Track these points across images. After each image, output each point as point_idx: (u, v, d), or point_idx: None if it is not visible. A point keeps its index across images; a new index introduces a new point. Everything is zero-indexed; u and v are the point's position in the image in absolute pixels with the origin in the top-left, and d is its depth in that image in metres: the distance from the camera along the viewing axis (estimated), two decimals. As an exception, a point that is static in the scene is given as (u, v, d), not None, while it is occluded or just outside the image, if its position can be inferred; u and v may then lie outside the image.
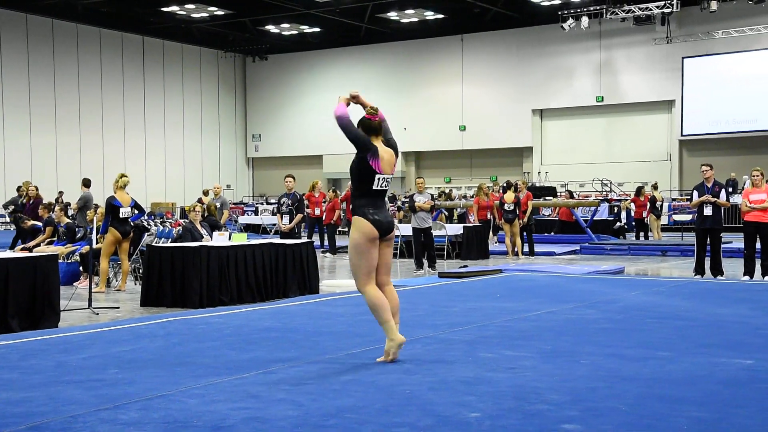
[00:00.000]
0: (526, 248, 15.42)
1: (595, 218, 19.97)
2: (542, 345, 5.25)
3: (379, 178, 4.60)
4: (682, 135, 28.70)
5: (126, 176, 9.83)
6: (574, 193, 24.64)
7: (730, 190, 23.31)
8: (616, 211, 22.25)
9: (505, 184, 15.66)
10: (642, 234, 18.53)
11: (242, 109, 37.67)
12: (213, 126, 35.92)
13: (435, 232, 15.06)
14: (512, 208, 14.93)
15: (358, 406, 3.63)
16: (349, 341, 5.40)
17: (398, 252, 14.85)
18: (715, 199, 10.28)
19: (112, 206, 9.58)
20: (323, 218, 16.32)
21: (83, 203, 13.12)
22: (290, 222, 11.78)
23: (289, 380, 4.19)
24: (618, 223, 20.67)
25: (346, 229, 18.44)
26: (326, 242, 16.55)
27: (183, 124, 34.35)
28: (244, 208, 29.66)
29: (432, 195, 12.38)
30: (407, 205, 12.51)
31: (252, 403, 3.69)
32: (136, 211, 9.91)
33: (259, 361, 4.74)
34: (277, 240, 9.96)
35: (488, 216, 15.69)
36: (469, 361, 4.72)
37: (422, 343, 5.33)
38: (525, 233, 15.31)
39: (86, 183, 13.97)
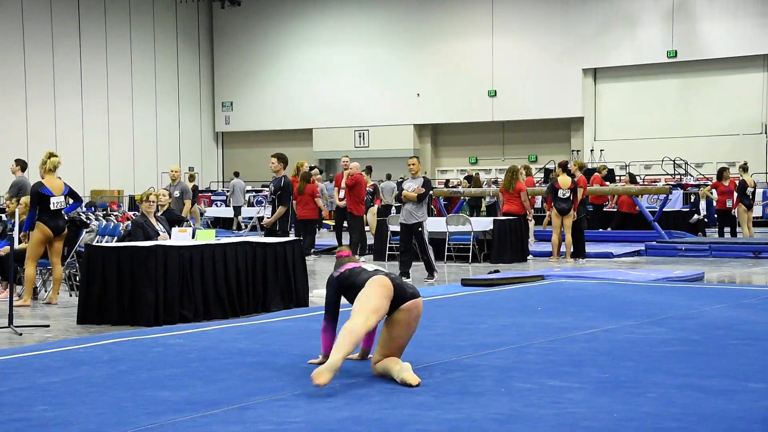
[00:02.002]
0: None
1: (665, 209, 19.94)
2: (596, 373, 5.25)
3: None
4: (781, 100, 28.59)
5: (56, 156, 9.84)
6: (637, 177, 24.60)
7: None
8: (692, 200, 22.22)
9: (560, 165, 15.58)
10: (727, 229, 18.49)
11: (208, 70, 37.73)
12: (170, 92, 35.99)
13: (457, 228, 15.08)
14: (567, 195, 14.89)
15: (359, 452, 3.64)
16: (346, 368, 5.41)
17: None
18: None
19: (40, 195, 9.60)
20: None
21: (16, 191, 13.18)
22: (272, 215, 11.79)
23: (272, 418, 4.20)
24: (695, 216, 20.65)
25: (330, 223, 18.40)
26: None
27: (131, 89, 34.42)
28: (212, 197, 29.75)
29: (428, 179, 12.02)
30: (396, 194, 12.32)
31: (223, 448, 3.70)
32: (71, 201, 9.92)
33: (232, 393, 4.75)
34: (255, 238, 9.97)
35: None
36: (502, 393, 4.73)
37: (441, 370, 5.33)
38: (573, 229, 15.29)
39: (21, 165, 14.02)
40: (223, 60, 37.51)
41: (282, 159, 11.81)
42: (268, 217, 11.96)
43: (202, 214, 22.80)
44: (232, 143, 38.17)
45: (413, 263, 12.25)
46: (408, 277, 11.70)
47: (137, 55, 34.58)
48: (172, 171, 15.05)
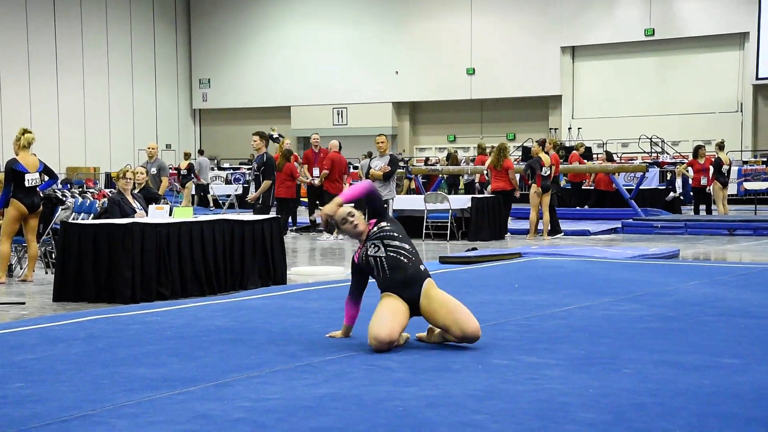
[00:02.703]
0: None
1: (642, 187, 20.05)
2: (573, 349, 5.28)
3: None
4: (757, 78, 28.77)
5: (31, 132, 9.75)
6: (614, 155, 24.71)
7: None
8: (669, 177, 22.36)
9: (539, 143, 15.62)
10: (703, 207, 18.63)
11: (185, 47, 37.42)
12: (147, 68, 35.68)
13: (435, 206, 15.10)
14: (548, 173, 14.95)
15: (336, 428, 3.65)
16: (325, 345, 5.42)
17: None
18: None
19: (14, 172, 9.51)
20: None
21: None
22: (256, 191, 11.79)
23: (249, 395, 4.20)
24: (671, 194, 20.78)
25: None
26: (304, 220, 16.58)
27: (107, 65, 34.09)
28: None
29: (394, 157, 12.01)
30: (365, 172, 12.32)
31: (201, 425, 3.70)
32: (47, 178, 9.85)
33: (210, 370, 4.74)
34: (233, 216, 9.94)
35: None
36: (479, 369, 4.75)
37: (420, 347, 5.35)
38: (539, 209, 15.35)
39: None
40: (200, 37, 37.22)
41: (264, 137, 11.89)
42: (253, 193, 11.96)
43: (200, 194, 22.65)
44: (209, 120, 37.96)
45: None
46: None
47: (113, 32, 34.23)
48: (149, 148, 14.96)
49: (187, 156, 21.38)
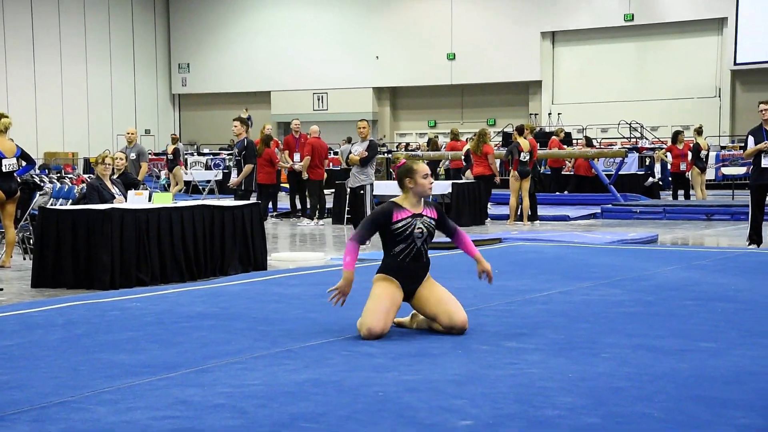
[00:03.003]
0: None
1: (621, 172, 20.14)
2: (552, 334, 5.32)
3: None
4: (735, 64, 28.90)
5: (7, 117, 9.68)
6: (594, 141, 24.79)
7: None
8: (648, 162, 22.46)
9: (517, 129, 15.66)
10: (681, 192, 18.74)
11: (164, 31, 37.15)
12: (125, 52, 35.40)
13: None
14: (527, 158, 14.98)
15: (317, 414, 3.66)
16: (306, 331, 5.42)
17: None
18: (776, 146, 10.39)
19: (-8, 157, 9.44)
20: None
21: None
22: (238, 176, 11.79)
23: (230, 381, 4.20)
24: (650, 179, 20.88)
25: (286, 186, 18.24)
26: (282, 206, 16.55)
27: (85, 49, 33.79)
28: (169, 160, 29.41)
29: (374, 142, 12.00)
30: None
31: (181, 411, 3.70)
32: (24, 163, 9.78)
33: (190, 356, 4.74)
34: (213, 202, 9.92)
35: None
36: (459, 354, 4.77)
37: (399, 332, 5.36)
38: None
39: None
40: (180, 21, 36.96)
41: (244, 122, 11.89)
42: (235, 178, 11.94)
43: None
44: (189, 105, 37.74)
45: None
46: None
47: (91, 16, 33.94)
48: (128, 133, 14.86)
49: (174, 140, 21.29)
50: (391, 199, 5.40)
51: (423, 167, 5.34)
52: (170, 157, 20.56)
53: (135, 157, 14.13)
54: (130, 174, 11.75)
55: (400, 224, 5.26)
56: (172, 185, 20.27)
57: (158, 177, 23.67)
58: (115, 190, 9.65)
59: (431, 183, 5.35)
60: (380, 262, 5.39)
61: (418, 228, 5.28)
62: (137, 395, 3.95)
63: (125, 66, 35.32)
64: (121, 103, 35.06)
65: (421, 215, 5.32)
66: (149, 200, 9.10)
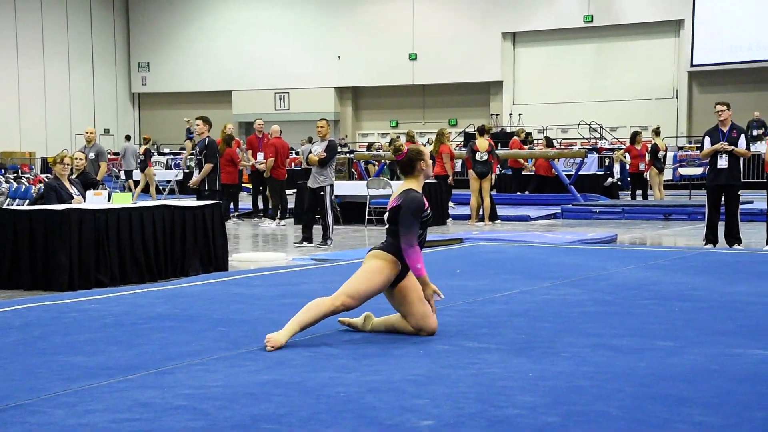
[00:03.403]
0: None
1: (580, 172, 20.31)
2: (513, 334, 5.34)
3: None
4: (692, 65, 29.28)
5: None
6: (554, 141, 24.98)
7: (755, 134, 24.07)
8: (607, 163, 22.67)
9: (477, 129, 15.72)
10: (640, 192, 18.94)
11: (123, 29, 36.78)
12: (84, 51, 34.99)
13: (378, 192, 15.11)
14: (485, 158, 15.04)
15: (278, 414, 3.64)
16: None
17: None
18: (733, 147, 10.52)
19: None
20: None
21: None
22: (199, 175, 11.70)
23: (190, 382, 4.17)
24: (609, 179, 21.08)
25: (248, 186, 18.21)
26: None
27: (42, 47, 33.34)
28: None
29: (333, 142, 11.98)
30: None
31: (140, 413, 3.67)
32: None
33: (150, 358, 4.70)
34: (173, 202, 9.85)
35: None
36: (420, 354, 4.78)
37: (361, 333, 5.36)
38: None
39: None
40: (139, 19, 36.62)
41: (207, 121, 11.82)
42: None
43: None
44: (149, 105, 37.42)
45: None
46: (310, 241, 11.66)
47: (48, 13, 33.51)
48: (87, 133, 14.69)
49: (146, 141, 21.11)
50: (408, 188, 5.26)
51: (426, 149, 5.36)
52: (142, 157, 20.43)
53: (94, 156, 13.97)
54: (89, 174, 11.62)
55: (428, 211, 5.27)
56: (141, 185, 20.14)
57: (117, 177, 23.43)
58: (73, 190, 9.54)
59: (428, 166, 5.37)
60: (389, 253, 5.18)
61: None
62: (96, 398, 3.90)
63: (84, 64, 34.92)
64: (80, 102, 34.66)
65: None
66: (108, 200, 9.01)
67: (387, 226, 5.30)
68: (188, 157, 21.26)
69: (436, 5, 32.24)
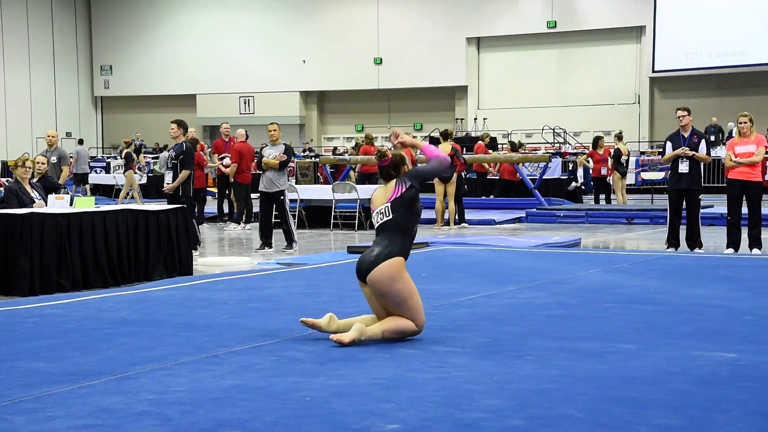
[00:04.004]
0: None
1: (545, 177, 20.44)
2: (478, 337, 5.36)
3: (374, 215, 5.38)
4: (653, 71, 29.60)
5: None
6: (518, 145, 25.09)
7: (713, 140, 24.38)
8: (570, 167, 22.83)
9: (441, 134, 15.76)
10: (603, 197, 19.10)
11: (85, 32, 36.42)
12: (45, 53, 34.60)
13: (344, 196, 15.10)
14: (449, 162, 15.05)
15: (243, 419, 3.63)
16: (232, 336, 5.37)
17: (296, 220, 14.79)
18: (693, 152, 10.64)
19: None
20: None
21: None
22: (173, 181, 11.50)
23: (154, 388, 4.14)
24: (573, 183, 21.23)
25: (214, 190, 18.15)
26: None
27: (2, 50, 32.92)
28: (91, 164, 28.91)
29: (289, 147, 11.94)
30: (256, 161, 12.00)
31: (103, 419, 3.63)
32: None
33: (113, 363, 4.65)
34: (137, 206, 9.76)
35: None
36: (386, 358, 4.78)
37: (327, 337, 5.35)
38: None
39: None
40: (102, 22, 36.30)
41: (181, 125, 11.58)
42: (168, 183, 11.66)
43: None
44: (112, 108, 37.09)
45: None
46: (270, 247, 11.58)
47: (8, 15, 33.12)
48: (48, 136, 14.52)
49: (128, 144, 20.92)
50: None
51: (403, 155, 5.47)
52: (122, 161, 20.33)
53: (56, 160, 13.82)
54: (50, 178, 11.48)
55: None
56: (125, 189, 20.00)
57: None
58: (35, 194, 9.43)
59: (406, 167, 5.47)
60: (396, 248, 5.19)
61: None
62: (57, 404, 3.86)
63: (45, 67, 34.54)
64: (41, 106, 34.27)
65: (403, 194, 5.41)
66: (71, 205, 8.91)
67: (383, 221, 5.25)
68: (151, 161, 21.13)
69: (401, 10, 32.32)
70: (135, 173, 20.28)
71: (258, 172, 12.56)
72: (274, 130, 11.72)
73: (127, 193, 20.10)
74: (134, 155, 20.62)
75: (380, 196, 5.38)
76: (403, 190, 5.28)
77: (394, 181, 5.35)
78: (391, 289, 5.11)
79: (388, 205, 5.27)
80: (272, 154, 11.58)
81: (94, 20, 36.42)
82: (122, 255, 8.64)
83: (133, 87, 35.88)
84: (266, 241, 11.58)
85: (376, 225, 5.33)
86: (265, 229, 11.64)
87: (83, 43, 36.27)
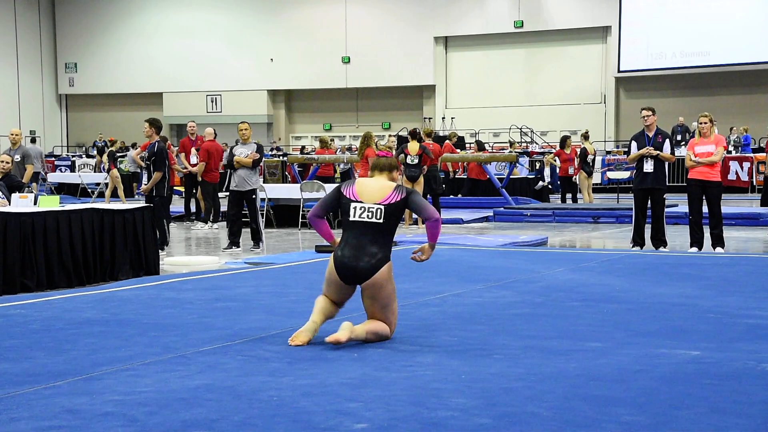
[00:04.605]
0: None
1: (512, 176, 20.55)
2: (446, 336, 5.38)
3: (355, 207, 5.21)
4: (619, 71, 29.87)
5: None
6: (486, 145, 25.23)
7: (679, 139, 24.63)
8: (537, 167, 22.97)
9: (410, 133, 15.77)
10: (569, 196, 19.23)
11: (49, 28, 36.04)
12: (8, 50, 34.21)
13: (311, 195, 15.08)
14: (416, 161, 15.07)
15: (210, 420, 3.61)
16: (200, 336, 5.35)
17: (264, 220, 14.75)
18: (658, 151, 10.75)
19: None
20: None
21: None
22: (147, 182, 11.41)
23: (120, 388, 4.11)
24: (540, 183, 21.36)
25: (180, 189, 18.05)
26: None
27: (-34, 46, 32.52)
28: (56, 162, 28.62)
29: (260, 145, 11.91)
30: (227, 161, 11.90)
31: (68, 420, 3.60)
32: None
33: (78, 364, 4.61)
34: (102, 205, 9.68)
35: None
36: (354, 358, 4.78)
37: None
38: (430, 196, 15.53)
39: None
40: (66, 19, 35.94)
41: (154, 124, 11.46)
42: (145, 184, 11.56)
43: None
44: (77, 106, 36.74)
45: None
46: (238, 246, 11.53)
47: (-28, 11, 32.69)
48: (12, 134, 14.34)
49: (112, 143, 20.66)
50: (396, 185, 5.38)
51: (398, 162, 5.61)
52: (103, 161, 20.10)
53: (20, 159, 13.66)
54: (14, 176, 11.34)
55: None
56: (110, 188, 19.79)
57: (44, 180, 22.93)
58: (-2, 193, 9.31)
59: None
60: (387, 252, 5.26)
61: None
62: (21, 405, 3.82)
63: (8, 64, 34.14)
64: (4, 103, 33.88)
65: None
66: (35, 204, 8.81)
67: (370, 221, 5.15)
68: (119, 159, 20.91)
69: (368, 9, 32.32)
70: (105, 172, 20.09)
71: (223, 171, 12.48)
72: (245, 129, 11.67)
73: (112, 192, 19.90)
74: (116, 154, 20.43)
75: (372, 190, 5.23)
76: (398, 198, 5.21)
77: (392, 185, 5.28)
78: (384, 293, 5.17)
79: (382, 208, 5.17)
80: (244, 153, 11.53)
81: (58, 16, 36.04)
82: (87, 254, 8.56)
83: (99, 85, 35.56)
84: (234, 240, 11.53)
85: (357, 218, 5.15)
86: (234, 228, 11.59)
87: (47, 39, 35.90)
